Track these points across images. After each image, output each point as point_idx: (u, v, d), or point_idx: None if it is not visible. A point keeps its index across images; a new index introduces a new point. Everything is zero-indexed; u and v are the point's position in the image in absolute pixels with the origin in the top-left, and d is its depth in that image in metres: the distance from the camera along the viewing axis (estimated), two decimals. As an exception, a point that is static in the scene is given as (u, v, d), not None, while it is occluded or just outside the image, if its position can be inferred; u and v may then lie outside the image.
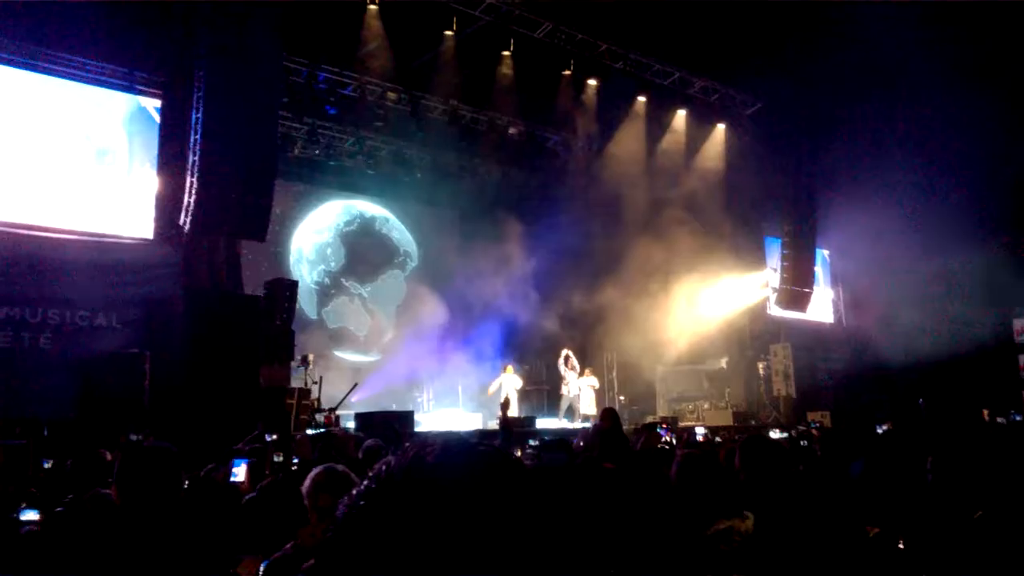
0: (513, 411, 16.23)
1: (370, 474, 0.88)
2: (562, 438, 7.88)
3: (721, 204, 19.07)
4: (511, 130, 17.98)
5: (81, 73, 13.05)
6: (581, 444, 9.08)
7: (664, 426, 10.91)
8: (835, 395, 19.29)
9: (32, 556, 3.52)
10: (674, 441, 8.34)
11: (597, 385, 17.36)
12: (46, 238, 12.25)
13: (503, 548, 0.81)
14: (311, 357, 14.51)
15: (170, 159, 13.11)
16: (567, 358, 17.06)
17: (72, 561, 2.97)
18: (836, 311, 22.95)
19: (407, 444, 0.91)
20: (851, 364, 19.57)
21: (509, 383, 16.54)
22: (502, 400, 15.40)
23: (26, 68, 12.57)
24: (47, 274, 12.04)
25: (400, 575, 0.78)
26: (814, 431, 11.02)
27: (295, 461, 7.69)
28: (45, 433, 10.06)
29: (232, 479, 6.20)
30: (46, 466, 7.10)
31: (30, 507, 4.41)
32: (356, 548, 0.81)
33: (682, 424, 16.62)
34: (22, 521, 4.14)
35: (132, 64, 13.33)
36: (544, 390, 18.67)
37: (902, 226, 17.14)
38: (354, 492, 0.86)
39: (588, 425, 15.19)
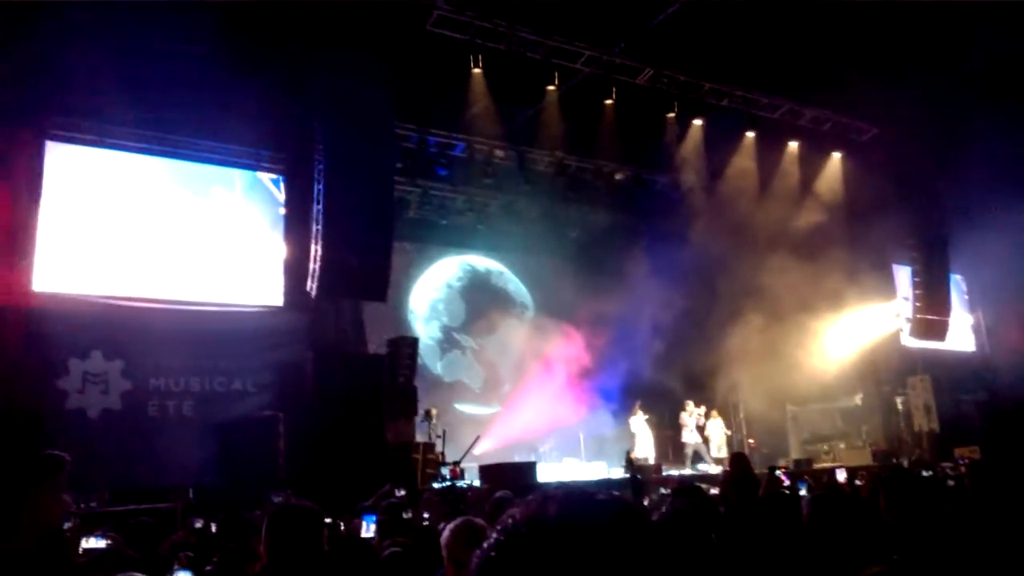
0: (648, 453, 15.99)
1: (498, 527, 0.91)
2: (694, 484, 7.72)
3: (844, 234, 18.40)
4: (618, 175, 18.01)
5: (211, 156, 14.04)
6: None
7: (783, 469, 10.53)
8: (983, 428, 18.01)
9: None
10: (802, 489, 7.98)
11: (724, 428, 16.95)
12: (185, 311, 13.10)
13: None
14: (434, 411, 14.74)
15: (295, 228, 13.83)
16: (687, 406, 16.86)
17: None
18: (978, 338, 21.59)
19: (530, 496, 0.94)
20: (998, 394, 18.28)
21: (639, 424, 16.42)
22: (631, 448, 15.35)
23: (160, 155, 13.62)
24: (187, 345, 12.84)
25: None
26: (962, 468, 10.34)
27: (425, 517, 7.81)
28: (191, 496, 10.61)
29: (363, 535, 6.37)
30: (197, 527, 7.48)
31: (183, 568, 4.68)
32: None
33: (817, 466, 15.93)
34: (178, 581, 4.39)
35: (256, 144, 14.24)
36: (668, 436, 18.31)
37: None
38: (485, 544, 0.90)
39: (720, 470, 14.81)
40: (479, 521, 3.42)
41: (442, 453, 14.22)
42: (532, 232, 17.95)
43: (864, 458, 16.45)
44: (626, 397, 17.47)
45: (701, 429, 16.78)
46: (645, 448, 16.50)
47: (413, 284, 18.39)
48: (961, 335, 20.68)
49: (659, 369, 17.37)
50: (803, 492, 7.22)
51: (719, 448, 16.59)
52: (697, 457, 16.64)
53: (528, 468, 13.87)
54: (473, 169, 16.52)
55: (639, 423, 16.76)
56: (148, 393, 12.52)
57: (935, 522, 3.72)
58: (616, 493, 0.96)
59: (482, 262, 19.51)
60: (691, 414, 16.79)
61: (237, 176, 14.25)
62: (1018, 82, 15.31)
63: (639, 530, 0.89)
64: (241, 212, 14.14)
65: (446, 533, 3.41)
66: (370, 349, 15.23)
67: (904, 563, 3.01)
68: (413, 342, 14.98)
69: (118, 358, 12.33)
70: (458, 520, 3.56)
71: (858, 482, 10.47)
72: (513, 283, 19.72)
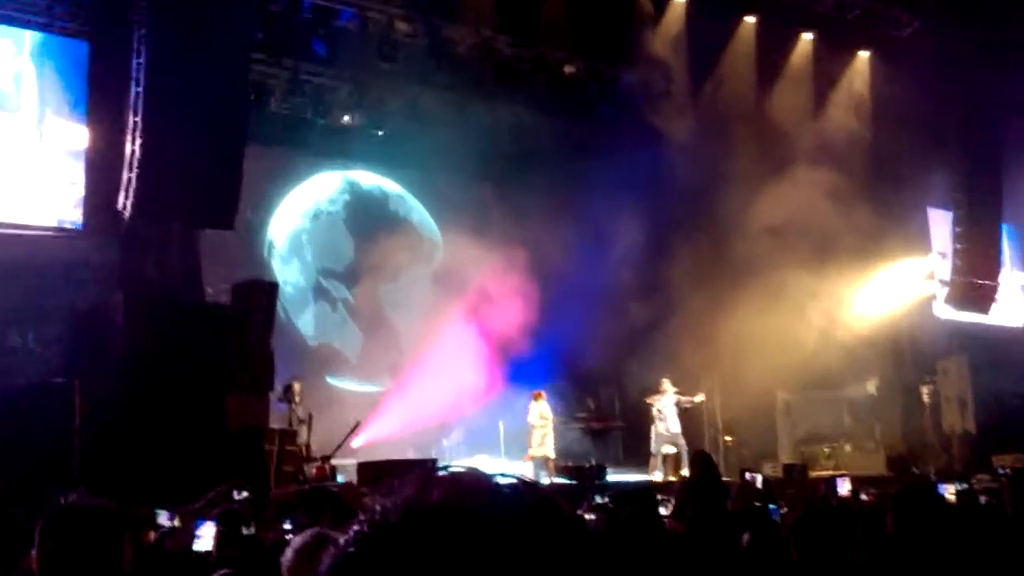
0: (547, 449, 16.02)
1: (361, 516, 0.90)
2: (644, 490, 7.88)
3: (866, 163, 18.77)
4: (567, 68, 17.94)
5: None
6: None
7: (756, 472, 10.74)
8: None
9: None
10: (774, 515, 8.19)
11: (684, 400, 16.73)
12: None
13: None
14: (297, 387, 14.69)
15: (102, 120, 13.39)
16: (661, 385, 16.78)
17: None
18: (1033, 312, 22.46)
19: (408, 477, 0.93)
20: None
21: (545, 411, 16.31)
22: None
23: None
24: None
25: None
26: (1002, 481, 10.82)
27: (287, 529, 7.79)
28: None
29: (196, 547, 6.36)
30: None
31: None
32: None
33: (814, 473, 16.42)
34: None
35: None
36: (618, 429, 18.61)
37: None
38: (341, 540, 0.89)
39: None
40: (335, 535, 3.42)
41: (307, 445, 14.26)
42: (446, 141, 17.75)
43: (876, 465, 17.03)
44: (564, 375, 17.65)
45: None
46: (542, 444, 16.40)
47: (274, 208, 18.10)
48: (1011, 306, 21.42)
49: (608, 340, 17.55)
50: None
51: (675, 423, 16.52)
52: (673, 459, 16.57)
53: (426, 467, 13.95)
54: (365, 48, 16.24)
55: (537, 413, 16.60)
56: None
57: (958, 551, 3.87)
58: (527, 479, 0.96)
59: (373, 180, 19.32)
60: (665, 395, 16.65)
61: (24, 39, 13.68)
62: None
63: (557, 531, 0.88)
64: (26, 93, 13.61)
65: (289, 552, 3.47)
66: (208, 296, 15.03)
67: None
68: (270, 289, 14.80)
69: None
70: (306, 534, 3.61)
71: (864, 497, 10.86)
72: (417, 212, 19.55)
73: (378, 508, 0.89)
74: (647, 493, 8.69)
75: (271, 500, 11.29)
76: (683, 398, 16.66)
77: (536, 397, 16.20)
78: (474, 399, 17.52)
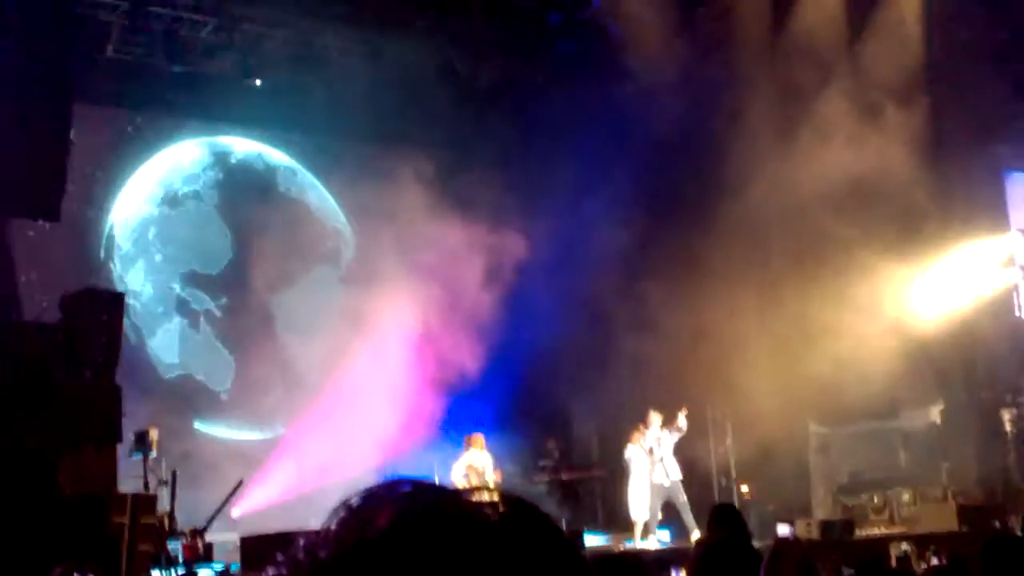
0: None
1: (278, 559, 0.92)
2: (630, 560, 7.73)
3: (922, 111, 18.81)
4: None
5: None
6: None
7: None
8: None
9: None
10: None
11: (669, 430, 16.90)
12: None
13: None
14: (154, 435, 14.63)
15: None
16: (647, 421, 16.77)
17: None
18: None
19: (339, 506, 0.92)
20: None
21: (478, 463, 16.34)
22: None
23: None
24: None
25: None
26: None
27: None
28: None
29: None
30: None
31: None
32: None
33: (862, 532, 16.42)
34: None
35: None
36: (596, 479, 18.55)
37: None
38: None
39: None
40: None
41: (170, 514, 14.28)
42: (349, 94, 17.72)
43: (945, 518, 16.95)
44: (520, 415, 17.61)
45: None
46: None
47: (117, 190, 18.00)
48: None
49: (580, 364, 17.51)
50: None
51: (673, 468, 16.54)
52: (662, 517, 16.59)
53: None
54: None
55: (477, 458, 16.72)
56: None
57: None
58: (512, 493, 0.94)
59: (251, 148, 19.32)
60: (648, 432, 16.72)
61: None
62: None
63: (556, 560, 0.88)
64: None
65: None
66: (28, 314, 14.98)
67: None
68: (113, 302, 14.76)
69: None
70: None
71: (933, 561, 10.84)
72: (315, 191, 19.47)
73: (301, 545, 0.90)
74: (634, 564, 8.48)
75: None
76: (669, 428, 16.60)
77: (471, 443, 16.04)
78: (400, 448, 17.59)
